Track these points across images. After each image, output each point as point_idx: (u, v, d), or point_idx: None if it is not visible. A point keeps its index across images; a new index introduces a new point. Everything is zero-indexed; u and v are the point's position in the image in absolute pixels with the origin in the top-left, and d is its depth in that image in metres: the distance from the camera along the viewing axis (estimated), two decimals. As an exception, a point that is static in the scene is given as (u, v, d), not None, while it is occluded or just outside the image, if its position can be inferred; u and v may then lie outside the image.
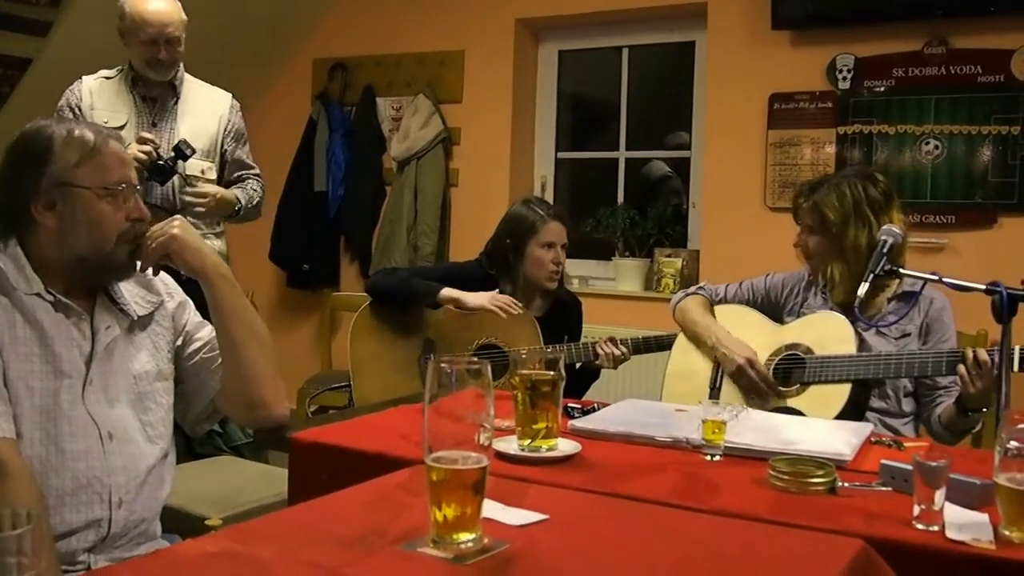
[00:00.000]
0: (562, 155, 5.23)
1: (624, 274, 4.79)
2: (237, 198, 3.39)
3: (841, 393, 2.39)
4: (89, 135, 1.71)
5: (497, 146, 5.05)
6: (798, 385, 2.49)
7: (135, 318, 1.79)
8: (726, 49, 4.44)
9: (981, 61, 3.91)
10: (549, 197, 5.13)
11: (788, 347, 2.54)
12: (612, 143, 5.08)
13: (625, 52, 5.01)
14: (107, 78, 3.27)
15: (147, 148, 3.04)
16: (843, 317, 2.50)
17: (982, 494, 1.46)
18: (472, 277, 3.13)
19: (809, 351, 2.49)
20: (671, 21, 4.76)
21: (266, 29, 5.32)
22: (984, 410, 2.37)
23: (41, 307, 1.66)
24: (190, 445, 3.28)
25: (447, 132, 5.12)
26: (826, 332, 2.49)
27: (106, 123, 3.05)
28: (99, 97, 3.22)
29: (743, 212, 4.39)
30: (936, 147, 4.02)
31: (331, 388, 3.73)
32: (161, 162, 3.08)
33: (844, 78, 4.18)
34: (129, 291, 1.81)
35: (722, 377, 2.60)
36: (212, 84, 3.48)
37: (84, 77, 3.28)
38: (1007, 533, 1.35)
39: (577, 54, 5.20)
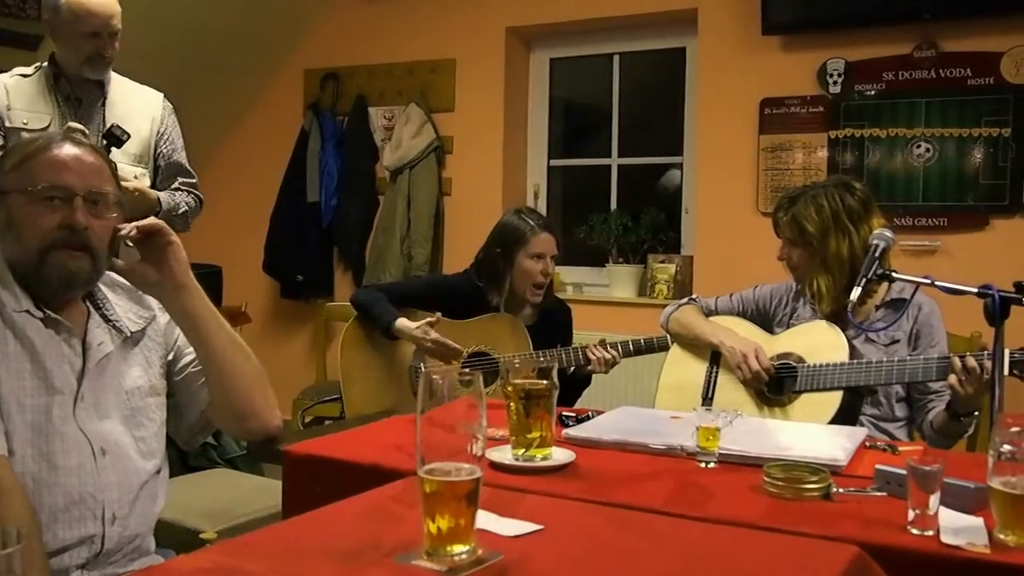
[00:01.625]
0: (554, 162, 5.23)
1: (618, 280, 4.80)
2: (159, 199, 3.03)
3: (833, 401, 2.40)
4: (39, 140, 1.70)
5: (489, 154, 5.05)
6: (790, 393, 2.49)
7: (128, 334, 1.78)
8: (717, 55, 4.45)
9: (971, 64, 3.93)
10: (542, 204, 5.14)
11: (780, 356, 2.55)
12: (604, 150, 5.09)
13: (616, 59, 5.02)
14: (23, 75, 2.98)
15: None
16: (834, 326, 2.50)
17: (977, 498, 1.46)
18: (459, 291, 3.13)
19: (801, 360, 2.50)
20: (662, 27, 4.77)
21: (256, 39, 5.32)
22: (975, 414, 2.37)
23: (31, 324, 1.65)
24: (184, 458, 3.27)
25: (439, 141, 5.12)
26: (818, 340, 2.50)
27: (26, 124, 2.89)
28: (16, 96, 2.93)
29: (736, 217, 4.40)
30: (927, 150, 4.03)
31: (322, 401, 3.73)
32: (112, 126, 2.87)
33: (835, 82, 4.19)
34: (121, 306, 1.80)
35: (715, 388, 2.61)
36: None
37: None
38: (1002, 537, 1.35)
39: (568, 61, 5.21)
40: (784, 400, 2.50)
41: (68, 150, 1.69)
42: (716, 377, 2.63)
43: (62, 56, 2.96)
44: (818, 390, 2.43)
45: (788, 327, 2.66)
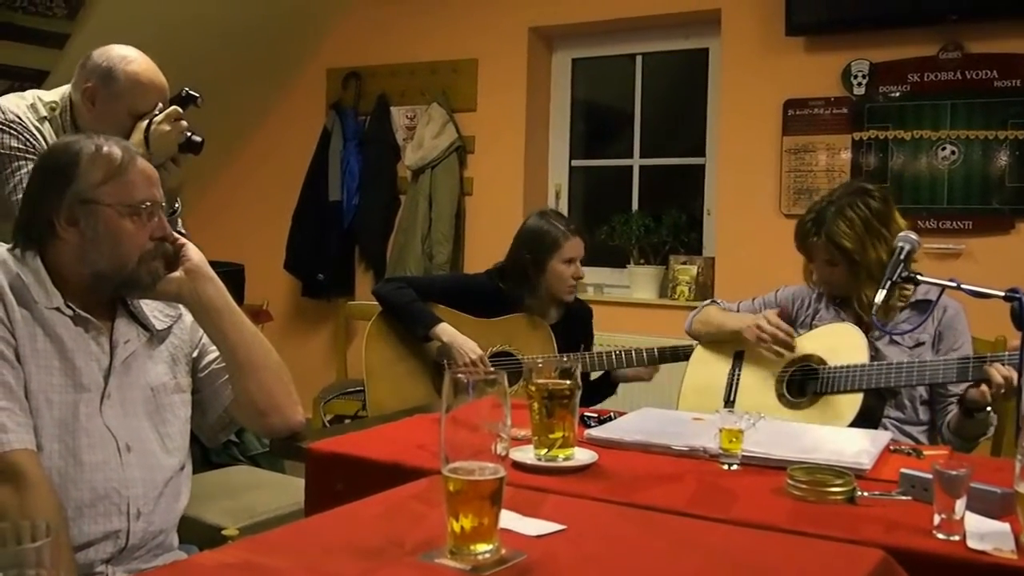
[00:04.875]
0: (576, 163, 5.23)
1: (639, 282, 4.79)
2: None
3: (853, 403, 2.38)
4: (117, 152, 1.71)
5: (511, 154, 5.05)
6: (811, 395, 2.47)
7: (154, 331, 1.80)
8: (740, 56, 4.44)
9: (997, 66, 3.90)
10: (564, 205, 5.14)
11: (801, 358, 2.53)
12: (626, 150, 5.08)
13: (639, 59, 5.01)
14: (46, 118, 2.53)
15: (184, 124, 2.56)
16: (855, 327, 2.48)
17: (1003, 503, 1.45)
18: (482, 290, 3.13)
19: (822, 362, 2.48)
20: (685, 28, 4.76)
21: (280, 39, 5.35)
22: (988, 410, 2.34)
23: (60, 321, 1.67)
24: (207, 455, 3.28)
25: (461, 141, 5.13)
26: (839, 342, 2.48)
27: None
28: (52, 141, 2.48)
29: (758, 219, 4.38)
30: (952, 153, 4.00)
31: (345, 393, 3.74)
32: (192, 134, 2.59)
33: (859, 84, 4.17)
34: (148, 304, 1.82)
35: (736, 390, 2.60)
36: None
37: (15, 110, 2.48)
38: (1029, 542, 1.34)
39: (591, 62, 5.20)
40: (804, 403, 2.49)
41: (144, 162, 1.75)
42: (738, 380, 2.62)
43: (84, 119, 2.55)
44: (839, 392, 2.41)
45: (810, 328, 2.65)
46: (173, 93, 2.61)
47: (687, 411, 2.54)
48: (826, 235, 2.51)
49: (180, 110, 2.56)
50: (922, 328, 2.48)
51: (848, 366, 2.42)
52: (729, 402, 2.58)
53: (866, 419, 2.38)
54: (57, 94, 2.60)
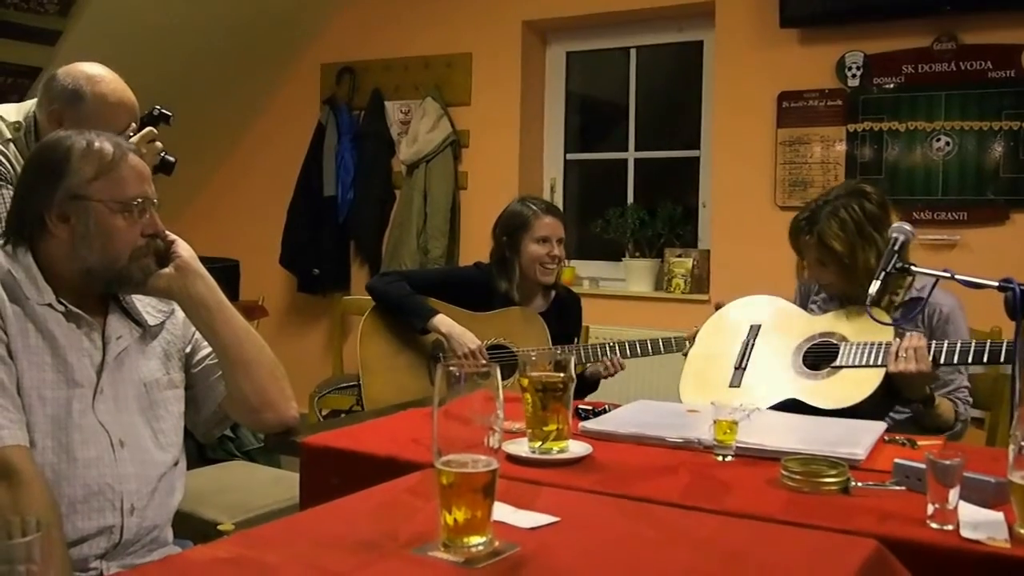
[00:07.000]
0: (571, 156, 5.23)
1: (634, 275, 4.79)
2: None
3: (872, 378, 2.30)
4: (108, 148, 1.70)
5: (506, 148, 5.05)
6: (828, 369, 2.39)
7: (147, 327, 1.80)
8: (734, 48, 4.44)
9: (991, 56, 3.90)
10: (558, 198, 5.13)
11: (822, 335, 2.47)
12: (621, 144, 5.08)
13: (633, 52, 5.01)
14: (11, 139, 2.45)
15: (159, 145, 2.54)
16: (883, 313, 2.40)
17: (997, 492, 1.45)
18: (473, 282, 3.14)
19: (844, 339, 2.42)
20: (679, 21, 4.75)
21: (273, 35, 5.34)
22: (935, 402, 2.33)
23: (52, 317, 1.66)
24: (202, 450, 3.29)
25: (456, 135, 5.12)
26: (865, 325, 2.39)
27: None
28: (17, 162, 2.42)
29: (753, 211, 4.38)
30: (947, 144, 4.00)
31: (340, 388, 3.74)
32: (165, 153, 2.57)
33: (853, 75, 4.16)
34: (141, 300, 1.82)
35: (749, 358, 2.53)
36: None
37: None
38: (1022, 532, 1.34)
39: (585, 55, 5.20)
40: (821, 375, 2.39)
41: (136, 158, 1.74)
42: (752, 347, 2.55)
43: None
44: (858, 366, 2.34)
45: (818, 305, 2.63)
46: (143, 110, 2.56)
47: (690, 376, 2.52)
48: (818, 235, 2.49)
49: (155, 131, 2.52)
50: (913, 326, 2.46)
51: (873, 343, 2.35)
52: (740, 367, 2.52)
53: (875, 409, 2.33)
54: (20, 113, 2.52)
